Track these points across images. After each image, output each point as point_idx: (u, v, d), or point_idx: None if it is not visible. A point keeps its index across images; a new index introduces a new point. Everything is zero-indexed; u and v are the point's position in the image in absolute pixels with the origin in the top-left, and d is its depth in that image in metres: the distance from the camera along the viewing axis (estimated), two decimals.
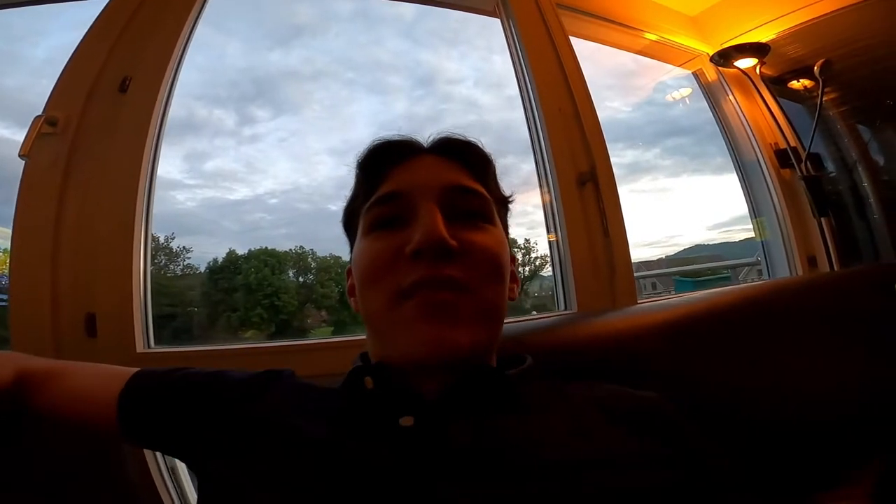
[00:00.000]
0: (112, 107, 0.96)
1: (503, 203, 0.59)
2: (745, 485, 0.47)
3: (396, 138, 0.56)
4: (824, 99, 1.45)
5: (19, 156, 0.91)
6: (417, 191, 0.51)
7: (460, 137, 0.57)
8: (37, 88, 0.98)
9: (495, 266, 0.50)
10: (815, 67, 1.45)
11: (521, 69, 1.33)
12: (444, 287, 0.46)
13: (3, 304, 0.89)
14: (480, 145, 0.58)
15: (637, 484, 0.40)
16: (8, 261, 0.90)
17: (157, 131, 1.02)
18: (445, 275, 0.46)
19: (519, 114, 1.33)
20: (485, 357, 0.51)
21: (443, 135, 0.57)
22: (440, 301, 0.46)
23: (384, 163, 0.55)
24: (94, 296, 0.89)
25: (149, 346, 0.95)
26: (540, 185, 1.30)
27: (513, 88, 1.36)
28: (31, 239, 0.89)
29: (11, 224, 0.90)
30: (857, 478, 0.60)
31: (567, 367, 0.67)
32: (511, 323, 0.77)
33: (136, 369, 0.56)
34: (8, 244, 0.91)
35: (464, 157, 0.55)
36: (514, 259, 0.61)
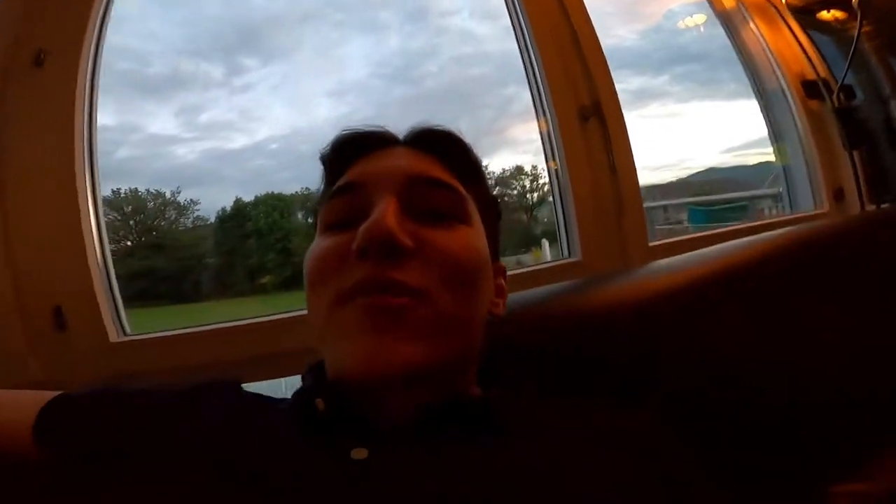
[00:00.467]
0: (29, 82, 0.89)
1: (489, 206, 0.51)
2: None
3: (365, 129, 0.50)
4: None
5: None
6: (376, 182, 0.44)
7: (438, 128, 0.50)
8: None
9: (459, 270, 0.42)
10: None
11: None
12: (388, 290, 0.39)
13: None
14: (461, 136, 0.50)
15: None
16: None
17: (87, 99, 0.95)
18: (389, 277, 0.39)
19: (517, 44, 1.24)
20: (454, 376, 0.44)
21: (420, 125, 0.50)
22: (381, 306, 0.39)
23: (348, 155, 0.48)
24: (56, 288, 0.86)
25: (124, 335, 0.92)
26: (537, 117, 1.20)
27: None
28: None
29: None
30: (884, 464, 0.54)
31: (572, 353, 0.59)
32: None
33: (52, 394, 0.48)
34: None
35: (440, 149, 0.48)
36: (503, 270, 0.54)
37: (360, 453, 0.37)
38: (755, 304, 0.65)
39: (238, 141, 1.81)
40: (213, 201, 1.70)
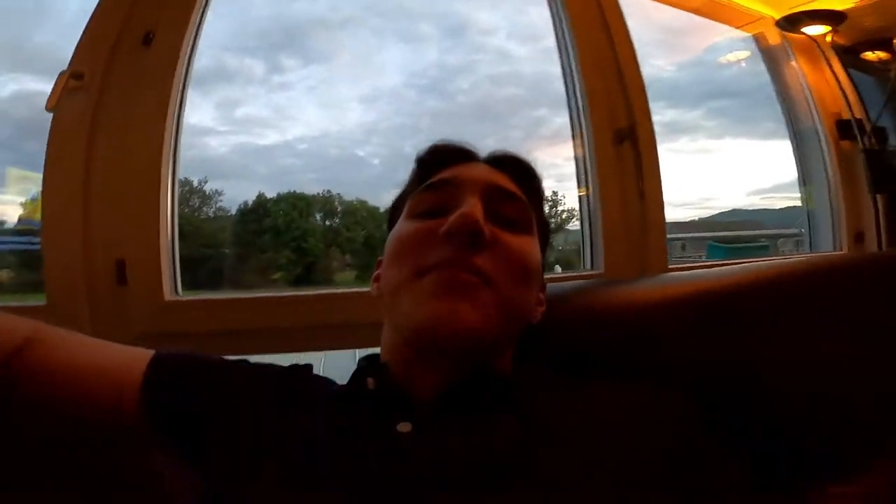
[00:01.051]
0: (136, 60, 0.95)
1: (544, 227, 0.59)
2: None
3: (456, 143, 0.58)
4: None
5: (46, 109, 0.92)
6: (464, 183, 0.51)
7: (517, 154, 0.58)
8: (67, 44, 0.98)
9: (523, 268, 0.49)
10: (895, 40, 1.36)
11: (559, 18, 1.25)
12: (465, 269, 0.45)
13: (36, 247, 0.91)
14: (533, 165, 0.59)
15: (648, 493, 0.38)
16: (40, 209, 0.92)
17: (181, 82, 1.01)
18: (470, 259, 0.45)
19: (554, 67, 1.27)
20: (494, 356, 0.50)
21: (501, 150, 0.59)
22: (456, 279, 0.44)
23: (440, 160, 0.56)
24: (123, 243, 0.91)
25: (177, 294, 0.97)
26: (573, 139, 1.25)
27: (548, 41, 1.30)
28: (61, 190, 0.91)
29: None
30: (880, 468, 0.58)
31: (591, 339, 0.66)
32: None
33: (149, 351, 0.51)
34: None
35: (513, 170, 0.56)
36: (544, 286, 0.60)
37: (405, 427, 0.42)
38: (764, 315, 0.70)
39: (270, 138, 1.84)
40: (236, 194, 1.73)
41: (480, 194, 0.50)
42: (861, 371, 0.65)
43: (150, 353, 0.50)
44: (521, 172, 0.57)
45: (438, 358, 0.46)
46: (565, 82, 1.25)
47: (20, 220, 1.15)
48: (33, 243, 0.99)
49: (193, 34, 1.03)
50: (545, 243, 0.59)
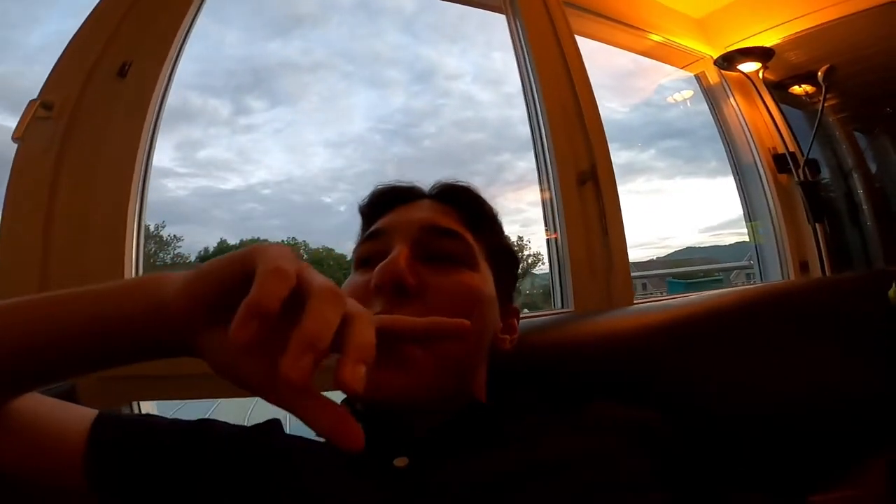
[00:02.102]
0: (110, 91, 0.94)
1: (501, 254, 0.58)
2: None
3: (396, 184, 0.58)
4: (825, 105, 1.46)
5: (12, 139, 0.89)
6: (395, 230, 0.51)
7: (459, 184, 0.58)
8: (30, 74, 0.97)
9: (462, 305, 0.47)
10: (819, 73, 1.46)
11: (525, 65, 1.32)
12: None
13: None
14: (478, 192, 0.58)
15: None
16: None
17: (154, 118, 1.00)
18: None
19: (517, 112, 1.32)
20: (461, 395, 0.49)
21: (444, 181, 0.58)
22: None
23: (381, 206, 0.57)
24: (85, 285, 0.86)
25: None
26: (539, 183, 1.29)
27: (511, 85, 1.34)
28: (21, 225, 0.87)
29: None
30: (858, 476, 0.60)
31: (568, 368, 0.67)
32: None
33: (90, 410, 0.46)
34: None
35: (458, 202, 0.56)
36: (516, 312, 0.60)
37: (401, 461, 0.42)
38: (728, 336, 0.74)
39: (232, 182, 1.83)
40: (196, 240, 1.67)
41: (412, 238, 0.50)
42: (826, 380, 0.69)
43: (92, 412, 0.45)
44: (464, 202, 0.56)
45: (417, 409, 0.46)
46: (531, 126, 1.30)
47: None
48: None
49: (170, 68, 1.02)
50: (506, 269, 0.58)
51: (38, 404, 0.43)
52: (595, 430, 0.46)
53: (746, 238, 1.75)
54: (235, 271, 0.29)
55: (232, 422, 0.53)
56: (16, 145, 0.89)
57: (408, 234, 0.50)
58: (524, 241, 1.88)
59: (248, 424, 0.54)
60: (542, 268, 1.39)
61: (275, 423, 0.52)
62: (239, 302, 0.25)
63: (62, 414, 0.45)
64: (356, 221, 0.61)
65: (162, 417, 0.50)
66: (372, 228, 0.53)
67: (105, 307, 0.35)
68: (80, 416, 0.45)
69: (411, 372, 0.43)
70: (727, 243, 2.10)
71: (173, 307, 0.32)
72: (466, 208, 0.55)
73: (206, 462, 0.45)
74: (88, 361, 0.36)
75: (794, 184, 1.55)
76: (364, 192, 0.60)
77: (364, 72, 1.94)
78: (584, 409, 0.50)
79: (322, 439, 0.49)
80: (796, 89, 1.60)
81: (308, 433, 0.52)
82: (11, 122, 0.89)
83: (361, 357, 0.26)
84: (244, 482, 0.43)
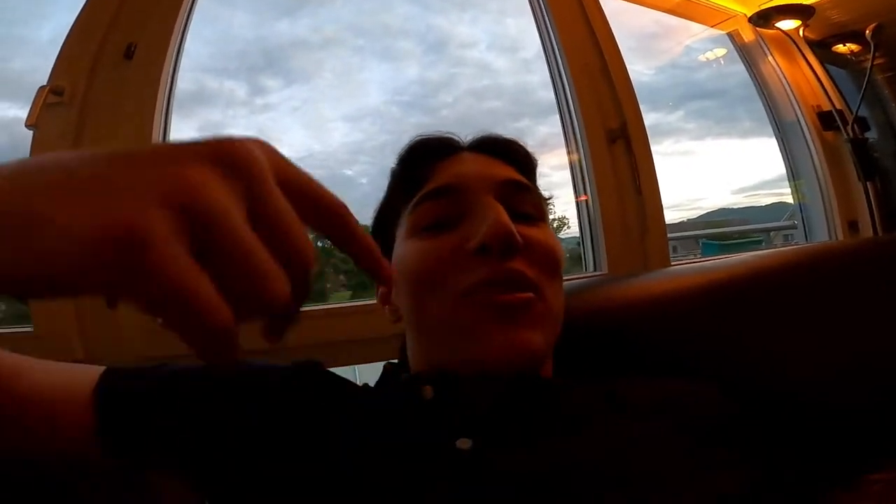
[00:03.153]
0: (119, 73, 0.93)
1: (546, 202, 0.56)
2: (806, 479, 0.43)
3: (437, 134, 0.53)
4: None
5: (26, 126, 0.89)
6: (473, 185, 0.47)
7: (508, 137, 0.54)
8: (44, 69, 0.97)
9: (556, 264, 0.47)
10: (867, 31, 1.38)
11: (546, 27, 1.26)
12: (515, 286, 0.42)
13: None
14: (523, 143, 0.55)
15: (703, 490, 0.36)
16: None
17: (165, 98, 0.99)
18: (516, 270, 0.43)
19: (534, 77, 1.30)
20: (544, 363, 0.47)
21: (483, 133, 0.54)
22: (513, 302, 0.42)
23: (428, 159, 0.51)
24: None
25: None
26: (567, 145, 1.25)
27: (528, 51, 1.32)
28: None
29: None
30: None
31: (609, 333, 0.64)
32: None
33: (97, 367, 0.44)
34: None
35: (510, 156, 0.52)
36: None
37: (464, 443, 0.38)
38: (777, 300, 0.69)
39: None
40: None
41: (496, 194, 0.46)
42: (881, 347, 0.65)
43: (98, 369, 0.43)
44: (517, 156, 0.53)
45: (495, 376, 0.43)
46: (554, 88, 1.25)
47: None
48: None
49: (177, 45, 1.01)
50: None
51: (30, 368, 0.40)
52: (664, 410, 0.43)
53: (784, 199, 1.69)
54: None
55: None
56: (30, 133, 0.89)
57: (489, 190, 0.46)
58: (549, 206, 1.90)
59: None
60: (568, 232, 1.35)
61: (316, 365, 0.49)
62: None
63: (60, 372, 0.42)
64: (378, 193, 0.57)
65: (176, 365, 0.45)
66: (437, 185, 0.48)
67: None
68: (83, 372, 0.42)
69: (544, 327, 0.44)
70: (763, 204, 2.01)
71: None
72: (520, 160, 0.53)
73: (238, 409, 0.42)
74: None
75: (841, 141, 1.47)
76: (385, 164, 0.56)
77: (376, 45, 1.89)
78: (642, 387, 0.46)
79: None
80: (840, 48, 1.52)
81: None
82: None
83: None
84: (288, 435, 0.40)
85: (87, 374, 0.42)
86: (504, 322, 0.42)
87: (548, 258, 0.46)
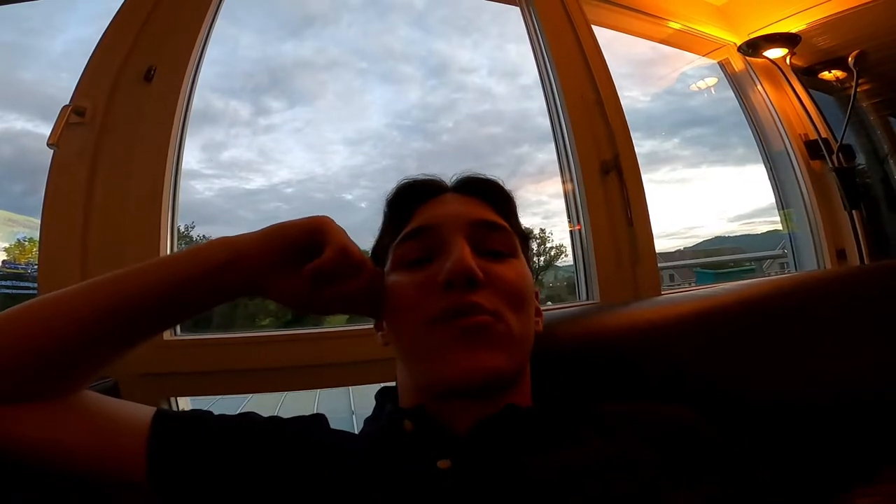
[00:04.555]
0: (138, 96, 0.97)
1: (524, 238, 0.60)
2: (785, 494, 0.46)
3: (422, 178, 0.59)
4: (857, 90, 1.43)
5: (48, 144, 0.93)
6: (445, 225, 0.52)
7: (482, 176, 0.59)
8: (56, 81, 0.99)
9: (519, 296, 0.51)
10: (850, 58, 1.43)
11: (542, 56, 1.31)
12: (473, 312, 0.47)
13: (33, 293, 0.89)
14: (501, 183, 0.59)
15: None
16: (36, 249, 0.91)
17: (181, 121, 1.03)
18: (474, 301, 0.47)
19: (534, 103, 1.31)
20: (517, 388, 0.51)
21: (465, 174, 0.59)
22: (474, 324, 0.46)
23: (411, 201, 0.56)
24: None
25: (175, 334, 0.96)
26: (561, 174, 1.28)
27: (528, 77, 1.33)
28: (60, 226, 0.90)
29: (39, 213, 0.90)
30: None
31: (595, 359, 0.66)
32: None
33: (152, 408, 0.49)
34: (32, 233, 0.91)
35: (486, 195, 0.57)
36: (536, 294, 0.61)
37: (444, 463, 0.43)
38: (764, 327, 0.71)
39: (255, 181, 1.87)
40: None
41: (465, 233, 0.51)
42: (868, 373, 0.67)
43: (152, 409, 0.48)
44: (493, 195, 0.57)
45: (468, 399, 0.47)
46: (550, 118, 1.29)
47: (5, 263, 1.12)
48: (18, 288, 0.96)
49: (194, 69, 1.05)
50: (527, 248, 0.60)
51: (97, 396, 0.47)
52: (634, 432, 0.46)
53: (779, 227, 1.70)
54: (303, 237, 0.46)
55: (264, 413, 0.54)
56: (51, 151, 0.92)
57: (460, 229, 0.51)
58: (546, 234, 1.86)
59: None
60: (566, 260, 1.36)
61: (320, 419, 0.54)
62: (302, 255, 0.46)
63: (121, 406, 0.48)
64: (377, 218, 0.61)
65: (211, 413, 0.51)
66: (415, 225, 0.53)
67: (195, 262, 0.46)
68: (139, 410, 0.47)
69: (505, 349, 0.47)
70: (759, 232, 2.04)
71: (251, 255, 0.46)
72: (497, 200, 0.57)
73: (262, 452, 0.47)
74: (186, 307, 0.46)
75: (827, 170, 1.51)
76: (385, 188, 0.60)
77: (378, 68, 1.95)
78: (621, 409, 0.50)
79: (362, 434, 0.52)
80: (826, 75, 1.56)
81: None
82: (41, 128, 0.95)
83: None
84: (293, 474, 0.45)
85: (145, 413, 0.47)
86: (465, 344, 0.46)
87: (511, 291, 0.50)
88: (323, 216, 0.47)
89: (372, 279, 0.49)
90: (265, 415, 0.53)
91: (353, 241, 0.47)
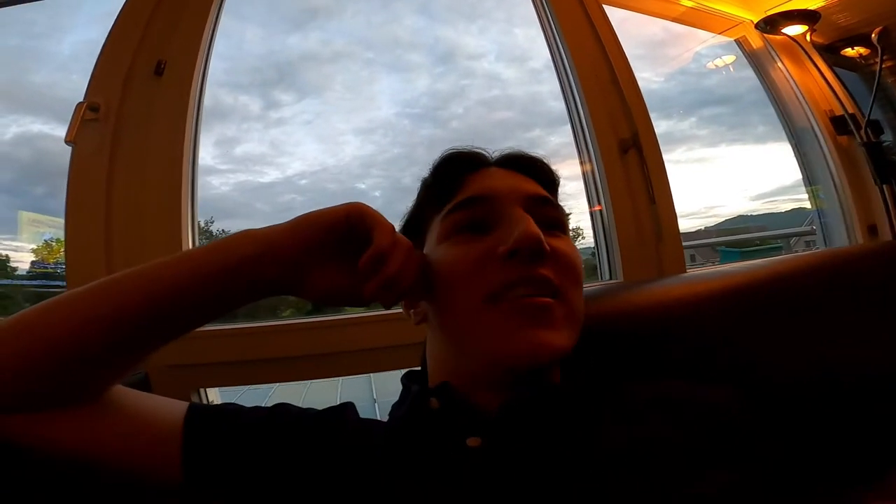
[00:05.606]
0: (150, 90, 0.98)
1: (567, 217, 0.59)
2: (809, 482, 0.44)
3: (467, 149, 0.57)
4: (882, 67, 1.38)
5: (65, 142, 0.94)
6: (503, 196, 0.50)
7: (534, 154, 0.58)
8: (66, 83, 1.00)
9: (578, 273, 0.50)
10: (873, 35, 1.39)
11: (554, 38, 1.28)
12: (541, 289, 0.45)
13: (51, 290, 0.91)
14: (548, 161, 0.58)
15: (707, 491, 0.38)
16: (63, 249, 0.92)
17: (195, 113, 1.03)
18: (543, 275, 0.45)
19: (544, 87, 1.32)
20: (554, 365, 0.50)
21: (512, 150, 0.57)
22: (539, 304, 0.44)
23: (460, 170, 0.54)
24: None
25: None
26: (579, 156, 1.26)
27: (537, 61, 1.34)
28: (84, 224, 0.91)
29: (63, 213, 0.92)
30: None
31: (624, 338, 0.65)
32: None
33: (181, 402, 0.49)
34: (57, 233, 0.93)
35: (535, 173, 0.55)
36: None
37: (474, 441, 0.42)
38: (794, 305, 0.69)
39: (270, 175, 1.90)
40: None
41: (524, 205, 0.49)
42: None
43: (184, 404, 0.48)
44: (543, 173, 0.56)
45: (511, 376, 0.46)
46: (565, 99, 1.27)
47: (34, 263, 1.15)
48: (49, 287, 0.98)
49: (204, 60, 1.05)
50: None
51: (130, 393, 0.46)
52: (667, 413, 0.45)
53: (804, 204, 1.66)
54: (341, 224, 0.42)
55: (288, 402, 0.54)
56: (69, 148, 0.94)
57: (518, 201, 0.50)
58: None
59: (303, 404, 0.55)
60: (582, 242, 1.34)
61: (349, 406, 0.53)
62: (340, 244, 0.43)
63: (154, 403, 0.47)
64: (391, 206, 0.60)
65: (242, 407, 0.51)
66: (470, 194, 0.51)
67: (220, 256, 0.42)
68: (171, 406, 0.47)
69: (563, 329, 0.46)
70: (783, 210, 1.99)
71: (283, 247, 0.42)
72: (545, 178, 0.56)
73: (291, 447, 0.46)
74: (211, 306, 0.43)
75: (855, 145, 1.46)
76: (397, 177, 0.60)
77: (385, 58, 1.94)
78: (653, 390, 0.49)
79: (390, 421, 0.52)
80: (849, 51, 1.52)
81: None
82: (57, 131, 0.95)
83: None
84: (325, 464, 0.45)
85: (177, 408, 0.47)
86: (530, 323, 0.44)
87: (571, 267, 0.48)
88: (358, 202, 0.43)
89: (421, 260, 0.47)
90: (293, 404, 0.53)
91: (393, 229, 0.43)
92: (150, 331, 0.42)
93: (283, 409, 0.51)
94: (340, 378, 0.97)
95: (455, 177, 0.53)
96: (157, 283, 0.41)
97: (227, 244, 0.43)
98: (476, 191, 0.51)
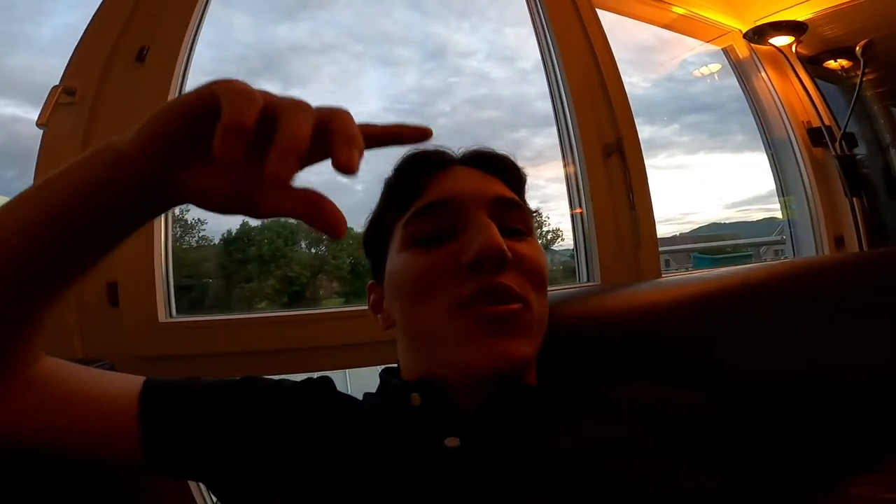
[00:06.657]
0: (131, 76, 0.95)
1: (533, 216, 0.57)
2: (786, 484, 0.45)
3: (430, 148, 0.54)
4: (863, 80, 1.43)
5: (37, 125, 0.90)
6: (466, 201, 0.48)
7: (499, 152, 0.55)
8: (44, 67, 0.97)
9: (542, 276, 0.49)
10: (857, 48, 1.42)
11: (545, 39, 1.29)
12: (504, 297, 0.45)
13: None
14: (514, 159, 0.56)
15: (685, 489, 0.38)
16: None
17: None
18: (505, 284, 0.45)
19: (532, 88, 1.31)
20: (527, 369, 0.50)
21: (476, 147, 0.55)
22: (502, 313, 0.44)
23: (421, 172, 0.52)
24: (115, 265, 0.89)
25: (170, 316, 0.95)
26: (563, 157, 1.27)
27: (526, 61, 1.34)
28: None
29: None
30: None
31: (601, 341, 0.66)
32: None
33: (140, 377, 0.46)
34: None
35: (501, 171, 0.53)
36: None
37: (452, 442, 0.42)
38: (763, 312, 0.71)
39: None
40: (219, 222, 1.64)
41: (487, 210, 0.48)
42: (864, 360, 0.67)
43: (140, 379, 0.45)
44: (509, 172, 0.54)
45: (481, 383, 0.46)
46: (552, 100, 1.28)
47: None
48: None
49: (188, 48, 1.02)
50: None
51: (68, 366, 0.43)
52: (643, 414, 0.45)
53: (775, 214, 1.72)
54: (194, 106, 0.31)
55: None
56: (40, 132, 0.90)
57: (481, 206, 0.48)
58: (543, 218, 1.89)
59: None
60: (562, 244, 1.36)
61: (327, 381, 0.52)
62: (205, 135, 0.28)
63: (102, 377, 0.45)
64: (374, 201, 0.57)
65: (206, 379, 0.49)
66: (431, 200, 0.49)
67: (70, 183, 0.36)
68: (125, 380, 0.45)
69: (530, 336, 0.46)
70: (755, 219, 2.06)
71: (130, 154, 0.34)
72: (511, 177, 0.54)
73: (267, 418, 0.45)
74: (85, 242, 0.36)
75: (829, 158, 1.51)
76: (381, 171, 0.56)
77: (374, 51, 1.88)
78: (630, 393, 0.49)
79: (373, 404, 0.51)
80: (831, 64, 1.56)
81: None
82: (31, 114, 0.91)
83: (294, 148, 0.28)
84: (299, 440, 0.44)
85: (131, 383, 0.44)
86: (495, 332, 0.44)
87: (535, 271, 0.48)
88: (220, 79, 0.31)
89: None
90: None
91: (266, 91, 0.31)
92: (39, 267, 0.36)
93: (252, 381, 0.49)
94: (315, 374, 0.96)
95: (417, 178, 0.51)
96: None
97: (79, 165, 0.37)
98: (438, 195, 0.49)
